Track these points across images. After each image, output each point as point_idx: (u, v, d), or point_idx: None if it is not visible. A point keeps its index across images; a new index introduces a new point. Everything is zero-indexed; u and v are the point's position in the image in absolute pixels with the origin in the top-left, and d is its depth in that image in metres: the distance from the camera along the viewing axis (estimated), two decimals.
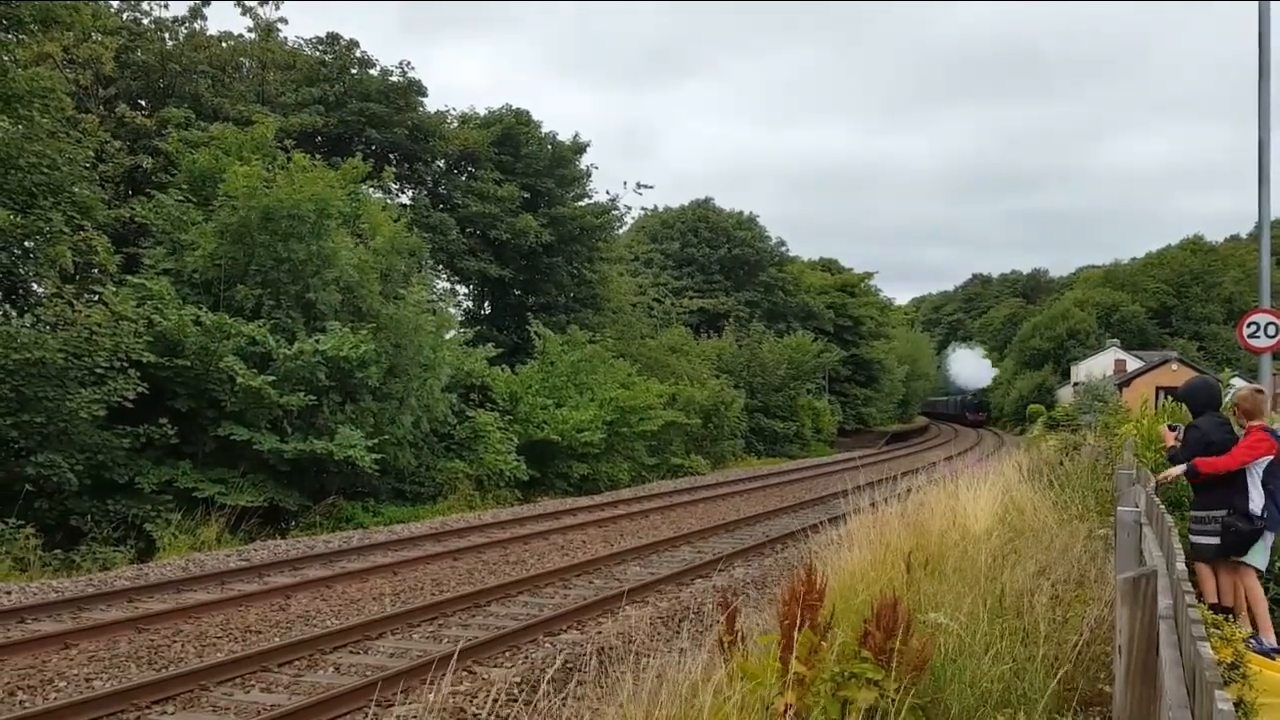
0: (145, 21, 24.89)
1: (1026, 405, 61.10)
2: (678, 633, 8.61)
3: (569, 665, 8.01)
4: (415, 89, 31.43)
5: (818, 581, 5.22)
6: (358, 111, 29.36)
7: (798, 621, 4.76)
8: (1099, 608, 6.23)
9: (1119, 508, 6.71)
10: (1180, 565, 4.74)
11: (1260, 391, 7.25)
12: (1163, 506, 6.76)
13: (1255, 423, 6.86)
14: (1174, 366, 50.89)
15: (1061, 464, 16.27)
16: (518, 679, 7.86)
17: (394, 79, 30.92)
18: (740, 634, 5.24)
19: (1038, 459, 18.25)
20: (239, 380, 16.77)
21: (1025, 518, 9.73)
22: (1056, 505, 10.81)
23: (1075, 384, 59.94)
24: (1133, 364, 60.75)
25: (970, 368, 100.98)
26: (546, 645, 9.00)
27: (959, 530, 8.46)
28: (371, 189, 26.06)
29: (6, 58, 17.57)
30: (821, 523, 13.60)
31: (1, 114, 16.53)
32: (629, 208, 42.29)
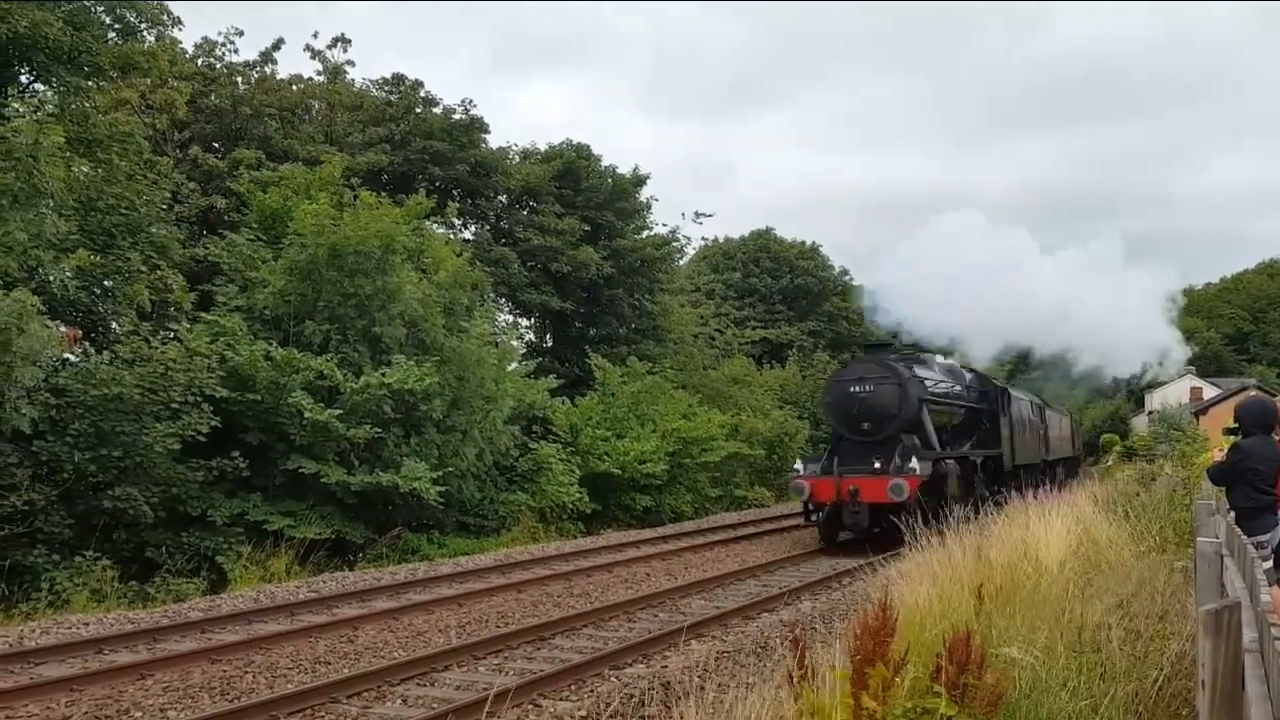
0: (218, 67, 25.71)
1: (1099, 435, 59.63)
2: (744, 667, 8.51)
3: (634, 699, 7.95)
4: (477, 126, 31.96)
5: (889, 615, 5.13)
6: (421, 149, 29.92)
7: (869, 656, 4.68)
8: (1180, 642, 6.05)
9: (1198, 539, 6.51)
10: (1265, 597, 4.58)
11: None
12: (1244, 537, 6.57)
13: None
14: (1252, 393, 49.37)
15: (1137, 495, 15.86)
16: (583, 713, 7.83)
17: (457, 117, 31.49)
18: (810, 669, 5.16)
19: (1112, 490, 17.82)
20: (307, 414, 17.07)
21: (1100, 550, 9.49)
22: (1133, 537, 10.52)
23: (1150, 412, 58.40)
24: (1209, 392, 59.17)
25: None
26: (611, 679, 8.95)
27: (1031, 562, 8.28)
28: (435, 224, 26.51)
29: (87, 104, 18.28)
30: (889, 556, 13.40)
31: (83, 158, 17.17)
32: (689, 238, 42.39)
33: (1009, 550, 8.82)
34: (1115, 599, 6.92)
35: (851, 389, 19.58)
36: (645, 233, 37.38)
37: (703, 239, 56.60)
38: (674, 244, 38.60)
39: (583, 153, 35.27)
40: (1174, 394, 58.12)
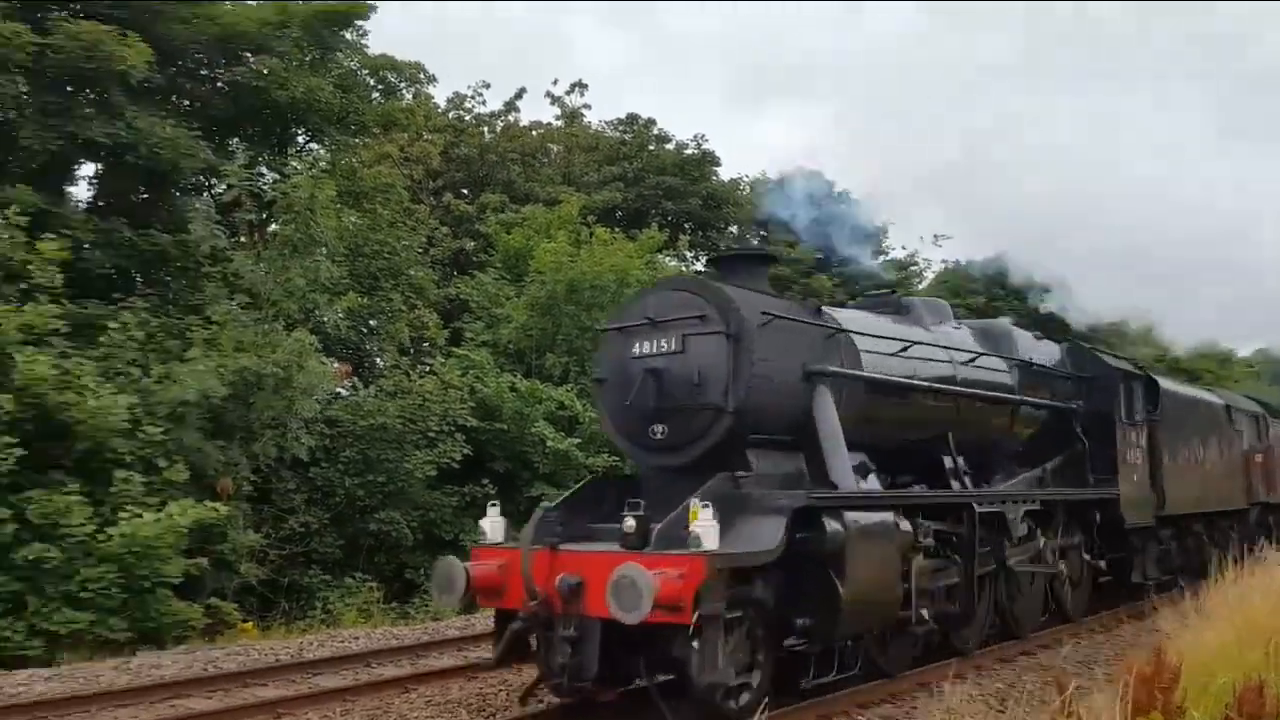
0: (467, 118, 27.40)
1: None
2: (1003, 712, 8.04)
3: None
4: (709, 160, 32.39)
5: (1169, 661, 4.71)
6: (654, 185, 30.60)
7: (1143, 704, 4.31)
8: None
9: None
10: None
11: None
12: None
13: None
14: None
15: None
16: None
17: (689, 152, 32.03)
18: (1076, 716, 4.80)
19: None
20: (549, 443, 17.71)
21: None
22: None
23: None
24: None
25: None
26: (859, 718, 8.67)
27: None
28: (667, 258, 27.00)
29: (355, 159, 19.91)
30: (1165, 595, 12.34)
31: (351, 209, 18.70)
32: (929, 261, 41.15)
33: None
34: None
35: (635, 348, 8.21)
36: (881, 258, 36.59)
37: (943, 262, 54.80)
38: (912, 268, 37.62)
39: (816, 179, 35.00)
40: None
